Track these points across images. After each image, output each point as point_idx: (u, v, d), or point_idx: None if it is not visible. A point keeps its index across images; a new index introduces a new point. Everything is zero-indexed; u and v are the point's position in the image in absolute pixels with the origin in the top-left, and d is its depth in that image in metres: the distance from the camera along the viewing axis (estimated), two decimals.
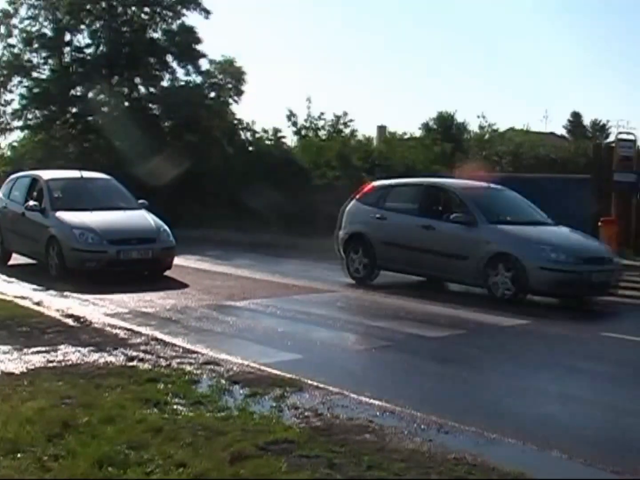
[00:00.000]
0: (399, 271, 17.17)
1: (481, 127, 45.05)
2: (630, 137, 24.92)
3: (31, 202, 18.19)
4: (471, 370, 9.68)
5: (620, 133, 26.51)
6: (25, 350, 9.65)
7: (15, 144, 41.07)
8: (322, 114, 38.96)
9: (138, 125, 34.90)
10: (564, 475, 6.15)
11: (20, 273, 17.75)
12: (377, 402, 7.78)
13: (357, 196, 18.10)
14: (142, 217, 17.81)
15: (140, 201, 18.60)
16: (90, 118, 38.55)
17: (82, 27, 38.74)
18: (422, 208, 16.71)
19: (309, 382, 8.46)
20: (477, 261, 15.03)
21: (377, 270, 17.30)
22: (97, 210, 17.56)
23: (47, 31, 38.46)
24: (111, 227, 16.88)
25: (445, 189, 17.21)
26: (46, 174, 19.48)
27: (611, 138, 52.59)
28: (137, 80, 39.73)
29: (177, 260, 17.72)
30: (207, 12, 39.02)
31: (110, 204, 18.28)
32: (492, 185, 17.43)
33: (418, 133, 45.73)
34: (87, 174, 19.57)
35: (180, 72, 39.44)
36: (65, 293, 14.62)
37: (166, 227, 17.46)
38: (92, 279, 15.76)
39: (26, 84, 38.56)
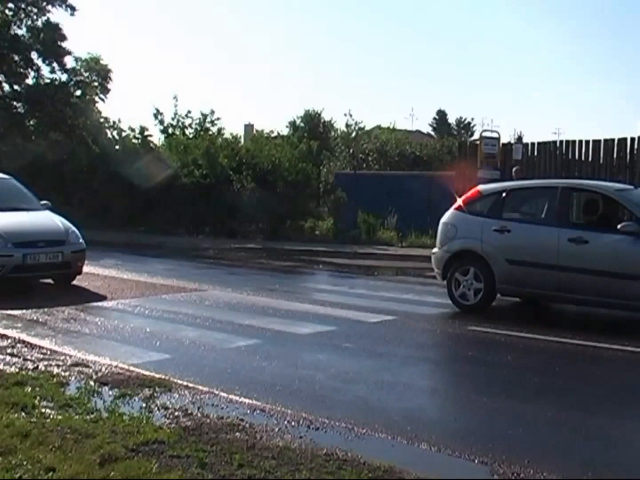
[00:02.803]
0: (529, 296, 14.30)
1: (348, 125, 45.63)
2: (494, 134, 25.57)
3: None
4: (342, 365, 9.76)
5: (484, 131, 27.23)
6: None
7: None
8: (189, 112, 38.93)
9: (2, 124, 34.26)
10: (432, 467, 6.27)
11: None
12: (247, 400, 7.83)
13: (458, 205, 14.59)
14: (48, 218, 16.43)
15: (43, 202, 17.26)
16: None
17: None
18: (563, 216, 13.39)
19: (179, 381, 8.47)
20: None
21: (495, 295, 13.99)
22: None
23: None
24: (16, 229, 15.33)
25: (596, 191, 13.78)
26: None
27: (476, 135, 53.85)
28: (1, 77, 38.96)
29: None
30: (72, 9, 38.56)
31: (10, 204, 16.58)
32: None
33: (286, 131, 46.01)
34: None
35: (45, 70, 38.92)
36: None
37: (75, 229, 16.21)
38: None
39: None
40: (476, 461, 6.32)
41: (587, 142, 23.38)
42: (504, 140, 26.35)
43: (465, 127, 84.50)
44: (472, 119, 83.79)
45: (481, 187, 14.90)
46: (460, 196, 14.61)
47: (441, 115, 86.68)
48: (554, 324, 12.75)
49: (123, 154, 33.53)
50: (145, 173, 30.90)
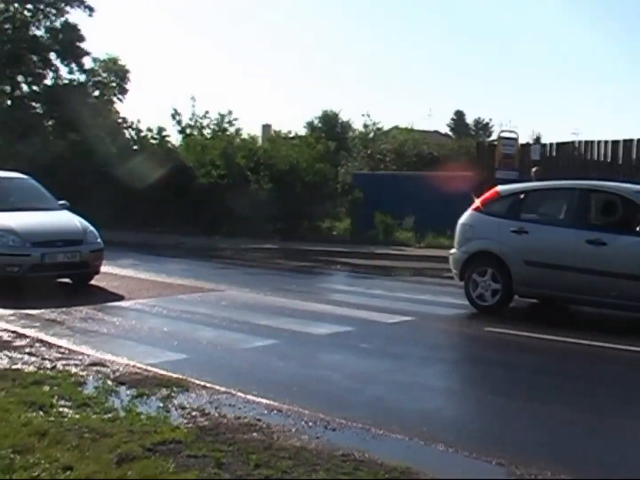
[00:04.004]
0: (546, 297, 14.21)
1: (366, 126, 45.58)
2: (512, 135, 25.56)
3: None
4: (358, 366, 9.76)
5: (502, 131, 27.25)
6: None
7: None
8: (206, 112, 38.87)
9: (20, 124, 34.37)
10: (449, 468, 6.26)
11: None
12: (264, 401, 7.82)
13: (476, 206, 14.53)
14: (66, 218, 16.47)
15: (61, 202, 17.27)
16: None
17: None
18: (581, 218, 13.22)
19: (196, 381, 8.46)
20: None
21: (512, 296, 13.97)
22: (16, 211, 16.05)
23: None
24: (34, 228, 15.38)
25: (615, 193, 13.38)
26: None
27: (494, 136, 53.76)
28: (20, 78, 39.17)
29: None
30: (90, 10, 38.81)
31: (29, 204, 16.72)
32: None
33: (303, 131, 46.00)
34: (2, 173, 17.94)
35: (63, 70, 39.16)
36: None
37: (93, 229, 16.23)
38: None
39: None
40: (493, 462, 6.30)
41: (606, 142, 23.37)
42: (522, 140, 26.34)
43: (483, 127, 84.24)
44: (490, 119, 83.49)
45: (499, 188, 14.78)
46: (478, 197, 14.57)
47: (459, 115, 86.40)
48: (571, 326, 12.72)
49: (141, 154, 33.61)
50: (162, 173, 31.00)
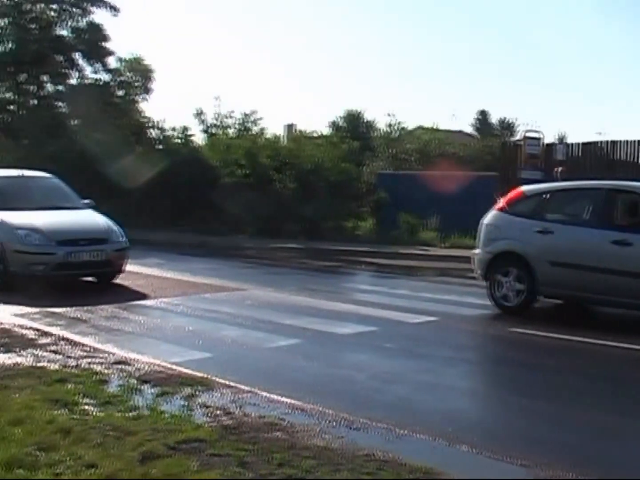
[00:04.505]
0: (571, 298, 13.93)
1: (390, 125, 45.44)
2: (537, 135, 25.44)
3: None
4: (382, 366, 9.74)
5: (527, 131, 27.06)
6: None
7: None
8: (230, 112, 38.87)
9: (45, 124, 34.49)
10: (472, 469, 6.24)
11: None
12: (287, 400, 7.81)
13: (500, 206, 14.45)
14: (90, 217, 16.63)
15: (86, 201, 17.40)
16: None
17: None
18: (606, 218, 13.02)
19: (219, 380, 8.47)
20: None
21: (536, 297, 13.81)
22: (41, 210, 16.18)
23: None
24: (59, 227, 15.46)
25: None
26: None
27: (518, 136, 53.56)
28: (45, 78, 39.30)
29: None
30: (115, 10, 38.83)
31: (54, 203, 16.84)
32: None
33: (327, 131, 45.94)
34: (27, 172, 17.96)
35: (88, 70, 39.20)
36: None
37: (117, 227, 16.31)
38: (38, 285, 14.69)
39: None
40: (517, 463, 6.27)
41: (632, 142, 23.21)
42: (546, 140, 26.23)
43: (507, 127, 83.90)
44: (515, 119, 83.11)
45: (524, 188, 14.68)
46: (502, 197, 14.52)
47: (483, 115, 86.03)
48: (595, 327, 12.65)
49: (165, 154, 33.67)
50: (186, 172, 31.05)
